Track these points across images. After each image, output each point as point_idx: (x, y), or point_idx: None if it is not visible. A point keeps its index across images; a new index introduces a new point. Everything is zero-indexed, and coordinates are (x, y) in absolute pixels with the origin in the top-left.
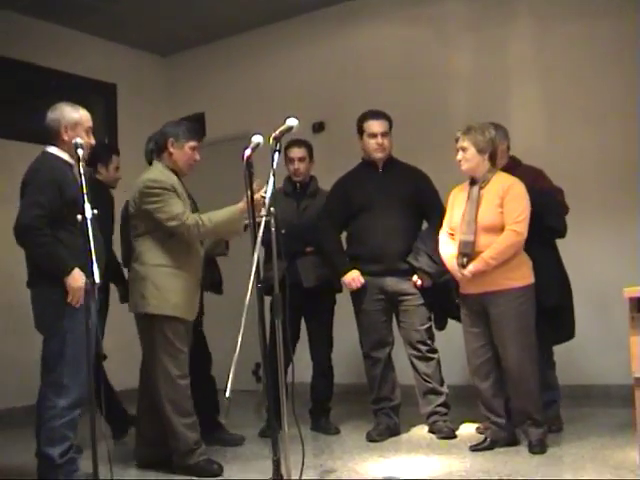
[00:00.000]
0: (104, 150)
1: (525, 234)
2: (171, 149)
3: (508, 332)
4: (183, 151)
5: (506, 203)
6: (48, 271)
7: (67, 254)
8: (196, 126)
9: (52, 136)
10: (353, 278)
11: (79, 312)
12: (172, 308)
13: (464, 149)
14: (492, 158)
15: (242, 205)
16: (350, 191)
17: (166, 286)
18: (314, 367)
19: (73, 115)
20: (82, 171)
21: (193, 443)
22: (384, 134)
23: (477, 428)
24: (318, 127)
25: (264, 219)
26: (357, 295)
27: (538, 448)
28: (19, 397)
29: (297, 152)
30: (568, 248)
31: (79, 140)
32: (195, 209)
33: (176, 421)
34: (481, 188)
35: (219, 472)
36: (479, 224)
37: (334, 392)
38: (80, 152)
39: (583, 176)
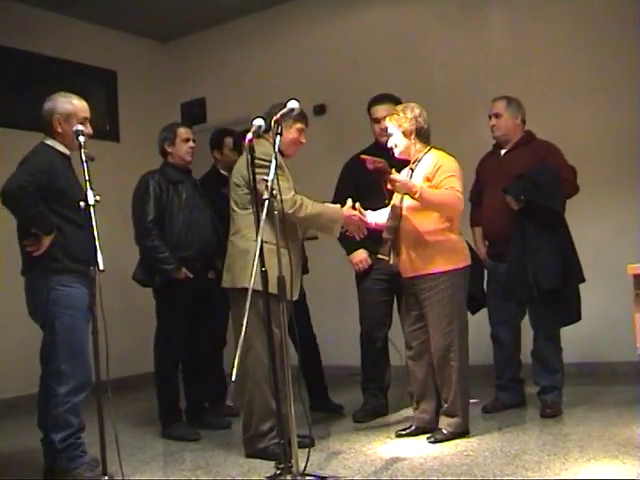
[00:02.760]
0: (215, 135)
1: (462, 208)
2: None
3: (432, 318)
4: (290, 132)
5: (438, 176)
6: (38, 229)
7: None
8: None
9: (46, 128)
10: (361, 260)
11: (63, 298)
12: (273, 286)
13: (390, 135)
14: (421, 136)
15: (346, 211)
16: (359, 171)
17: (269, 263)
18: (301, 348)
19: (66, 107)
20: (84, 158)
21: (267, 429)
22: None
23: (483, 407)
24: (319, 110)
25: (267, 201)
26: (361, 273)
27: (435, 438)
28: None
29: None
30: (571, 225)
31: (80, 127)
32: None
33: (255, 401)
34: (412, 170)
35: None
36: (404, 206)
37: (339, 374)
38: (82, 139)
39: (585, 153)
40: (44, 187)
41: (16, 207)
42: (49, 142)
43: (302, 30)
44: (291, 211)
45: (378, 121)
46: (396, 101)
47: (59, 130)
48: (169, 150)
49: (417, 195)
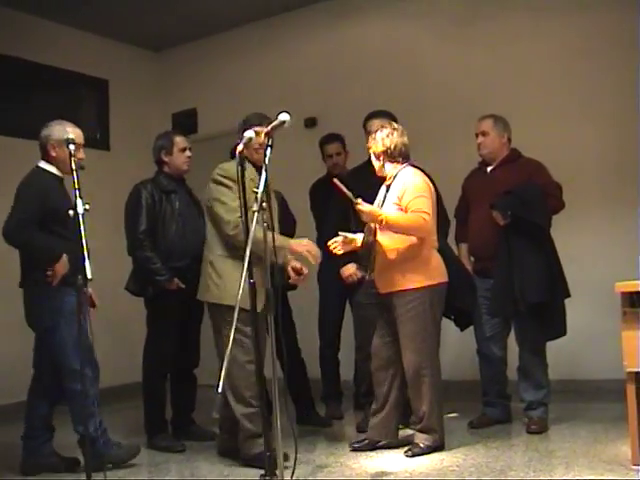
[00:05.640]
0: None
1: (430, 228)
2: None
3: (404, 334)
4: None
5: (406, 197)
6: (42, 261)
7: (57, 244)
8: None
9: (42, 152)
10: (350, 275)
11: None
12: (232, 298)
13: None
14: (389, 156)
15: (294, 247)
16: (354, 187)
17: (227, 276)
18: (287, 362)
19: (61, 134)
20: (74, 167)
21: (251, 433)
22: None
23: (470, 423)
24: (310, 123)
25: (255, 214)
26: (353, 288)
27: (412, 452)
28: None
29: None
30: (561, 242)
31: (71, 135)
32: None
33: (237, 409)
34: (387, 188)
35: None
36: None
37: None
38: (72, 147)
39: (579, 170)
40: (40, 212)
41: (15, 245)
42: (43, 165)
43: (294, 42)
44: (232, 233)
45: None
46: (392, 117)
47: (53, 154)
48: (165, 159)
49: (383, 224)
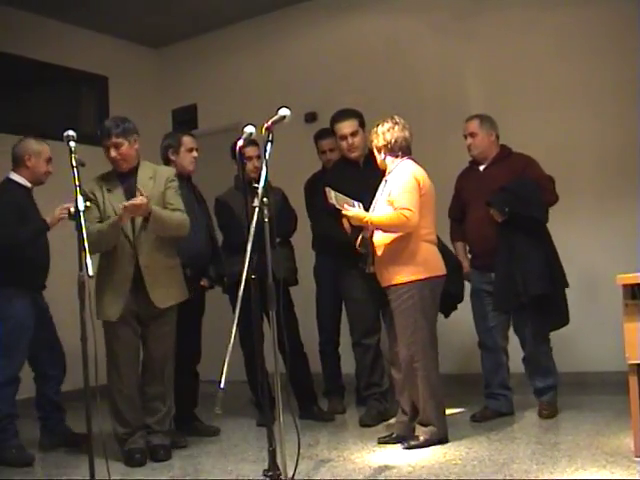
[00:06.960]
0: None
1: (414, 223)
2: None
3: (397, 328)
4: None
5: (393, 192)
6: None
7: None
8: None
9: (17, 162)
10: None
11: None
12: (97, 312)
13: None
14: (390, 150)
15: (117, 219)
16: (332, 187)
17: (96, 291)
18: (289, 357)
19: (37, 147)
20: (74, 164)
21: (118, 433)
22: (353, 134)
23: (472, 416)
24: (310, 117)
25: (257, 209)
26: (347, 283)
27: (409, 444)
28: None
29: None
30: (562, 235)
31: (71, 132)
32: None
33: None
34: (386, 181)
35: (132, 464)
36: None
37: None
38: (72, 144)
39: (578, 164)
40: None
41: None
42: (13, 177)
43: (294, 38)
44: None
45: (345, 137)
46: (359, 116)
47: (28, 164)
48: (172, 158)
49: (369, 225)
